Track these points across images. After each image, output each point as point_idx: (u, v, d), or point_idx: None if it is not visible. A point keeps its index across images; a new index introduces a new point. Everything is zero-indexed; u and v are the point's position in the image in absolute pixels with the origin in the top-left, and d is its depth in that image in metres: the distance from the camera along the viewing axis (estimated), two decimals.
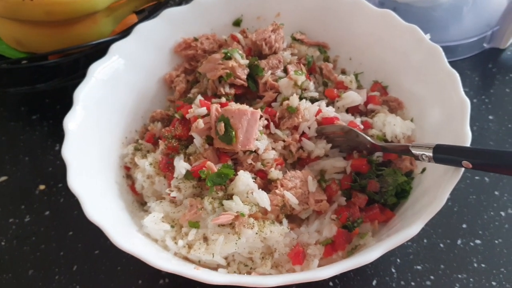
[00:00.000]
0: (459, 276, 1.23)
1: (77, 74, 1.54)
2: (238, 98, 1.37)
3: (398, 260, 1.27)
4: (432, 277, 1.23)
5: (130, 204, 1.23)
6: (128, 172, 1.30)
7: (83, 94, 1.23)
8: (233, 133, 1.16)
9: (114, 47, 1.33)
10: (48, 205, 1.46)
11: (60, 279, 1.29)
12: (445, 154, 1.02)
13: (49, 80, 1.62)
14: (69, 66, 1.65)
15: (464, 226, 1.32)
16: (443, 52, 1.24)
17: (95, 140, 1.22)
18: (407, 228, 0.95)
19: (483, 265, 1.24)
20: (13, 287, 1.29)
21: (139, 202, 1.27)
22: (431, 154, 1.03)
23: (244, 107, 1.21)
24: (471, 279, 1.22)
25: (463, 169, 1.01)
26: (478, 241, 1.29)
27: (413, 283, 1.22)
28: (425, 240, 1.30)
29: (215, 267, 1.10)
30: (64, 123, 1.17)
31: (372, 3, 1.43)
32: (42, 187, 1.51)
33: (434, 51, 1.25)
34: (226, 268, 1.09)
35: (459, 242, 1.29)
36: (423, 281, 1.23)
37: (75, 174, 1.07)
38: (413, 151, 1.07)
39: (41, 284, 1.29)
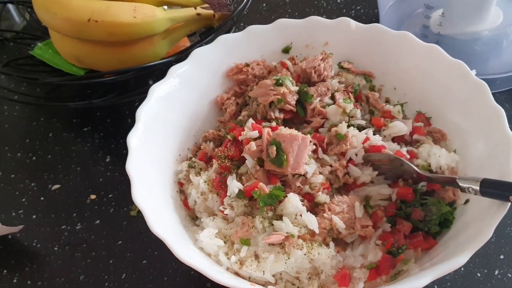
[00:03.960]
0: None
1: (133, 93, 1.62)
2: (285, 122, 1.43)
3: (436, 286, 1.30)
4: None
5: (184, 218, 1.29)
6: (181, 187, 1.36)
7: (144, 112, 1.30)
8: (284, 156, 1.21)
9: (172, 70, 1.41)
10: (98, 214, 1.53)
11: (110, 286, 1.35)
12: (493, 189, 1.06)
13: (102, 95, 1.70)
14: (122, 83, 1.73)
15: (501, 257, 1.35)
16: None
17: (153, 156, 1.29)
18: (454, 258, 0.99)
19: None
20: None
21: (190, 217, 1.33)
22: (478, 188, 1.07)
23: (295, 132, 1.26)
24: None
25: (509, 203, 1.05)
26: None
27: None
28: (462, 269, 1.32)
29: (263, 284, 1.14)
30: (128, 139, 1.24)
31: (415, 35, 1.48)
32: (93, 196, 1.57)
33: (480, 87, 1.29)
34: (274, 285, 1.14)
35: (496, 272, 1.32)
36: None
37: (139, 189, 1.13)
38: (460, 184, 1.12)
39: None
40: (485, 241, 1.01)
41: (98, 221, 1.52)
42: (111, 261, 1.41)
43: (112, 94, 1.73)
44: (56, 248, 1.45)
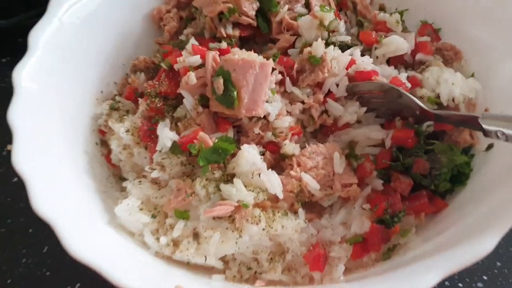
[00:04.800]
0: None
1: None
2: (244, 42, 1.10)
3: None
4: (485, 277, 0.99)
5: (104, 180, 0.99)
6: (103, 137, 1.04)
7: (44, 37, 0.96)
8: (235, 93, 0.89)
9: None
10: None
11: (28, 263, 1.07)
12: None
13: (13, 15, 1.36)
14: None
15: None
16: None
17: (59, 98, 0.96)
18: (476, 240, 0.68)
19: None
20: None
21: (117, 176, 1.03)
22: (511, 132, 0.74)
23: (251, 56, 0.93)
24: None
25: None
26: None
27: (460, 284, 0.98)
28: None
29: (210, 268, 0.86)
30: (13, 75, 0.90)
31: None
32: (10, 147, 1.25)
33: None
34: (224, 272, 0.86)
35: None
36: (474, 282, 0.99)
37: (24, 147, 0.82)
38: (484, 125, 0.79)
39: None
40: None
41: (16, 179, 1.19)
42: (30, 231, 1.12)
43: (26, 13, 1.35)
44: None
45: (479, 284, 0.99)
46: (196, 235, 0.85)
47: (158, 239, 0.85)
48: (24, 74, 0.91)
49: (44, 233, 1.11)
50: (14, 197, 1.18)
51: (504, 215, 0.70)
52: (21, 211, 1.15)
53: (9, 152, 1.24)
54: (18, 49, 1.45)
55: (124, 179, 1.02)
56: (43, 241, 1.10)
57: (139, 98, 1.00)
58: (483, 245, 0.67)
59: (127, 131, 0.95)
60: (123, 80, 1.13)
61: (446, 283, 0.99)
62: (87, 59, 1.06)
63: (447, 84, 0.96)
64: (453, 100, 0.97)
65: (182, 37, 1.11)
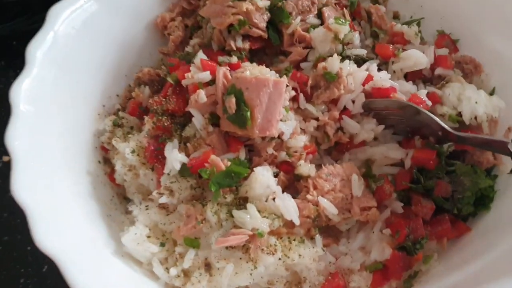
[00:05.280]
0: None
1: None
2: (254, 54, 1.03)
3: None
4: None
5: (108, 202, 0.94)
6: (106, 154, 0.99)
7: (41, 50, 0.90)
8: (248, 112, 0.84)
9: None
10: None
11: (26, 283, 1.03)
12: None
13: (10, 20, 1.30)
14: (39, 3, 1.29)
15: None
16: None
17: (59, 116, 0.91)
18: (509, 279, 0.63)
19: None
20: None
21: (121, 196, 0.98)
22: None
23: (263, 72, 0.88)
24: None
25: None
26: None
27: None
28: None
29: None
30: (11, 95, 0.85)
31: None
32: (6, 158, 1.19)
33: None
34: None
35: None
36: None
37: (23, 174, 0.77)
38: None
39: None
40: None
41: None
42: (29, 248, 1.06)
43: (23, 17, 1.29)
44: None
45: None
46: (207, 266, 0.81)
47: (167, 269, 0.81)
48: (22, 93, 0.85)
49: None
50: (11, 212, 1.12)
51: None
52: (18, 227, 1.10)
53: (5, 163, 1.20)
54: (13, 53, 1.41)
55: (128, 199, 0.97)
56: (42, 259, 1.03)
57: (144, 116, 0.95)
58: None
59: (133, 151, 0.89)
60: (125, 92, 1.07)
61: None
62: (87, 71, 1.00)
63: (469, 102, 0.91)
64: (475, 118, 0.91)
65: (189, 49, 1.05)
